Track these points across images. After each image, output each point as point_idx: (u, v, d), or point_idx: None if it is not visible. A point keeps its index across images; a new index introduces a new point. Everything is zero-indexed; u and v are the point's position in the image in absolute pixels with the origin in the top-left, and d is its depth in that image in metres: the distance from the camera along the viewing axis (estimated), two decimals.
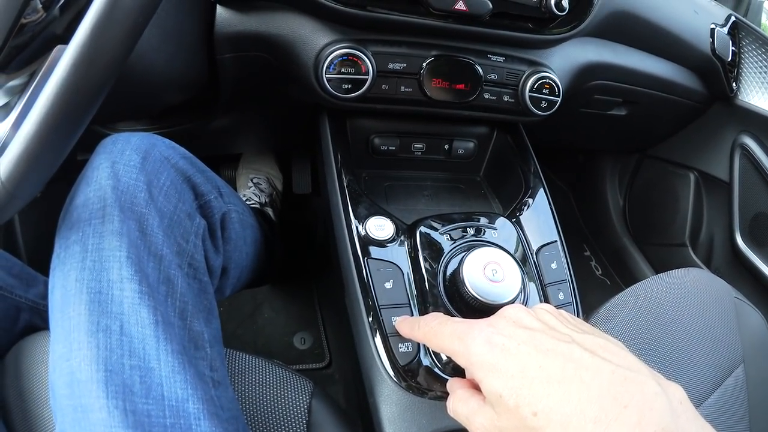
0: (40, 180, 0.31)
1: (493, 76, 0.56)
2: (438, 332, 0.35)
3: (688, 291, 0.66)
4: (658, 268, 1.07)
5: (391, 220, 0.51)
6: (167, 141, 0.43)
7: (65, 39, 0.30)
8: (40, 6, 0.34)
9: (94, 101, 0.31)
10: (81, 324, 0.34)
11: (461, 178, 0.66)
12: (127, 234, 0.36)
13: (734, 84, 0.85)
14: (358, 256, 0.48)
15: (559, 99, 0.58)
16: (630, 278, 1.11)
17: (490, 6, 0.51)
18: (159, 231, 0.38)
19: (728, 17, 0.82)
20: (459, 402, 0.34)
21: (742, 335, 0.68)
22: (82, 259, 0.35)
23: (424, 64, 0.54)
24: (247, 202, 0.87)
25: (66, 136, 0.31)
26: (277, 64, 0.56)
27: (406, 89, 0.55)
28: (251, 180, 0.88)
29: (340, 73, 0.52)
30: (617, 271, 1.18)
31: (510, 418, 0.28)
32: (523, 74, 0.57)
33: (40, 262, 0.54)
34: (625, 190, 1.10)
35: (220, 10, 0.52)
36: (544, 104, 0.58)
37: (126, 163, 0.38)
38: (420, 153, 0.64)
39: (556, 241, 0.55)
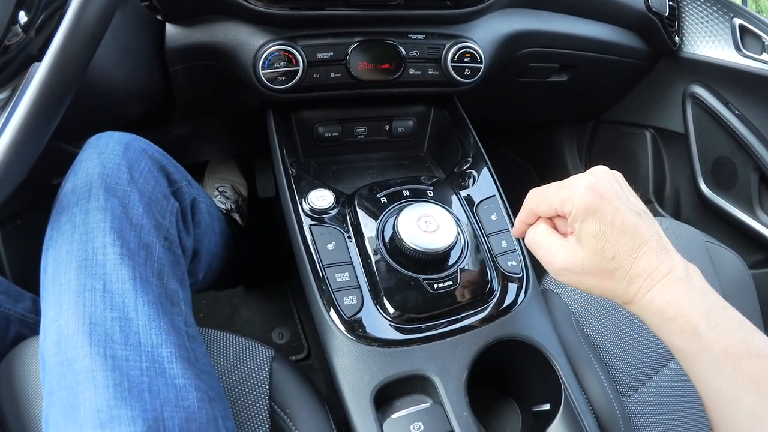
0: (23, 166, 0.39)
1: (415, 53, 0.66)
2: (542, 193, 0.42)
3: None
4: None
5: (332, 191, 0.60)
6: (143, 139, 0.52)
7: (40, 58, 0.39)
8: (20, 30, 0.42)
9: (66, 98, 0.40)
10: (70, 287, 0.40)
11: (405, 155, 0.76)
12: (110, 209, 0.43)
13: (676, 37, 0.93)
14: (302, 223, 0.57)
15: (482, 66, 0.68)
16: None
17: None
18: (139, 206, 0.46)
19: None
20: (542, 234, 0.42)
21: (719, 277, 0.74)
22: (71, 234, 0.42)
23: (349, 51, 0.65)
24: None
25: (44, 129, 0.40)
26: (221, 68, 0.66)
27: (336, 75, 0.65)
28: (216, 189, 0.98)
29: (274, 67, 0.63)
30: None
31: (594, 256, 0.38)
32: (444, 47, 0.67)
33: (25, 283, 0.62)
34: (584, 158, 1.18)
35: (169, 27, 0.63)
36: (467, 72, 0.68)
37: (110, 153, 0.47)
38: (363, 136, 0.74)
39: (494, 195, 0.64)
